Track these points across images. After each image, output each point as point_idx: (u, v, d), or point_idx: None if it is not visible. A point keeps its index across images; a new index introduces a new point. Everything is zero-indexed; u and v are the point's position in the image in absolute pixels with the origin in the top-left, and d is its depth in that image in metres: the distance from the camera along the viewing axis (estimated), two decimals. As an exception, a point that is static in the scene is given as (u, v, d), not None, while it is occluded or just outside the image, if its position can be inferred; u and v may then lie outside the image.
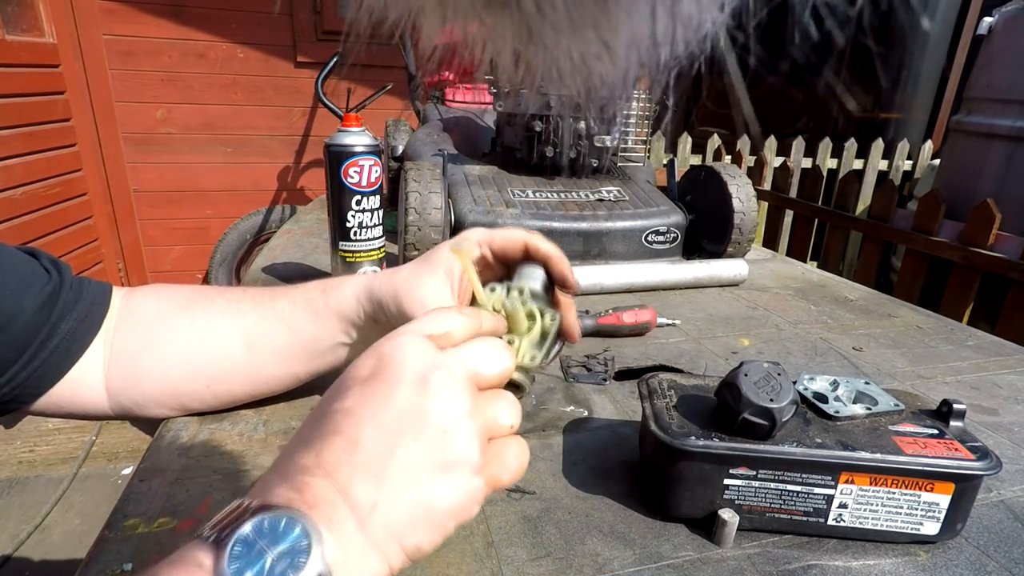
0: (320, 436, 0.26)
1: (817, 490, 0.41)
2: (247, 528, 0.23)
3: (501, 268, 0.47)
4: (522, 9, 0.18)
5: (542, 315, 0.37)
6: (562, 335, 0.44)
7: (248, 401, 0.54)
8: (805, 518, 0.42)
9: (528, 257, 0.44)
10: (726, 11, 0.18)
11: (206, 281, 2.59)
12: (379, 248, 0.79)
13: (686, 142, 2.69)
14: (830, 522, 0.42)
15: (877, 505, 0.41)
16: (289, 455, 0.27)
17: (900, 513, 0.41)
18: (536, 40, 0.19)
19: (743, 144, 2.70)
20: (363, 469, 0.25)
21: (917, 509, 0.41)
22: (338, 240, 0.77)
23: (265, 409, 0.56)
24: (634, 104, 1.11)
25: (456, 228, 0.91)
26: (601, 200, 1.01)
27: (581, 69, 0.19)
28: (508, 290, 0.38)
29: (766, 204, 2.59)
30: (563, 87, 0.20)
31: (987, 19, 2.11)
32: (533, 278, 0.42)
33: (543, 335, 0.37)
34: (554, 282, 0.44)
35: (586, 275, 0.90)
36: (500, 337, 0.34)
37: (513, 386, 0.34)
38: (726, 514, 0.42)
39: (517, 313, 0.36)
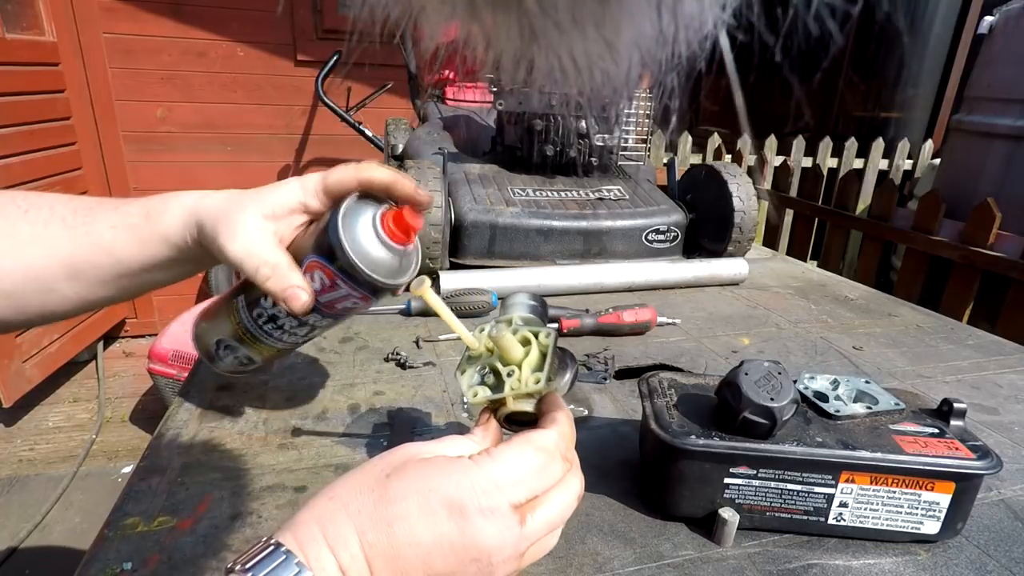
0: (381, 552, 0.27)
1: (817, 489, 0.41)
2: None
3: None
4: (524, 8, 0.18)
5: (536, 336, 0.36)
6: (572, 362, 0.43)
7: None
8: (805, 517, 0.42)
9: (365, 192, 0.42)
10: (727, 10, 0.18)
11: (206, 280, 2.59)
12: (281, 350, 0.48)
13: (686, 141, 2.69)
14: (830, 521, 0.42)
15: (877, 504, 0.41)
16: (342, 518, 0.28)
17: (900, 512, 0.41)
18: (539, 39, 0.18)
19: (743, 143, 2.69)
20: None
21: (917, 508, 0.41)
22: (240, 297, 0.46)
23: (265, 408, 0.57)
24: (635, 103, 1.11)
25: (456, 227, 0.91)
26: (601, 199, 1.01)
27: (583, 68, 0.19)
28: (495, 325, 0.37)
29: (766, 203, 2.59)
30: (565, 86, 0.20)
31: (988, 18, 2.11)
32: (519, 307, 0.41)
33: (542, 355, 0.36)
34: (400, 203, 0.41)
35: (586, 274, 0.90)
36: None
37: (524, 415, 0.34)
38: (726, 513, 0.42)
39: (509, 344, 0.35)
